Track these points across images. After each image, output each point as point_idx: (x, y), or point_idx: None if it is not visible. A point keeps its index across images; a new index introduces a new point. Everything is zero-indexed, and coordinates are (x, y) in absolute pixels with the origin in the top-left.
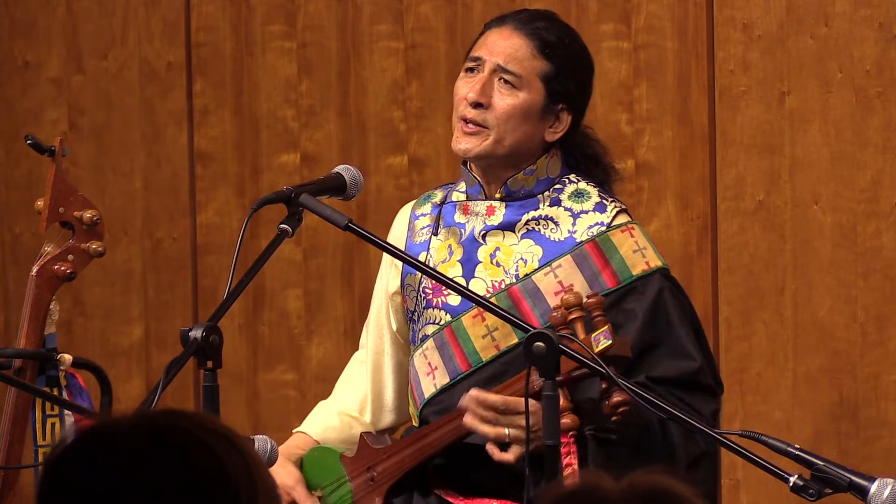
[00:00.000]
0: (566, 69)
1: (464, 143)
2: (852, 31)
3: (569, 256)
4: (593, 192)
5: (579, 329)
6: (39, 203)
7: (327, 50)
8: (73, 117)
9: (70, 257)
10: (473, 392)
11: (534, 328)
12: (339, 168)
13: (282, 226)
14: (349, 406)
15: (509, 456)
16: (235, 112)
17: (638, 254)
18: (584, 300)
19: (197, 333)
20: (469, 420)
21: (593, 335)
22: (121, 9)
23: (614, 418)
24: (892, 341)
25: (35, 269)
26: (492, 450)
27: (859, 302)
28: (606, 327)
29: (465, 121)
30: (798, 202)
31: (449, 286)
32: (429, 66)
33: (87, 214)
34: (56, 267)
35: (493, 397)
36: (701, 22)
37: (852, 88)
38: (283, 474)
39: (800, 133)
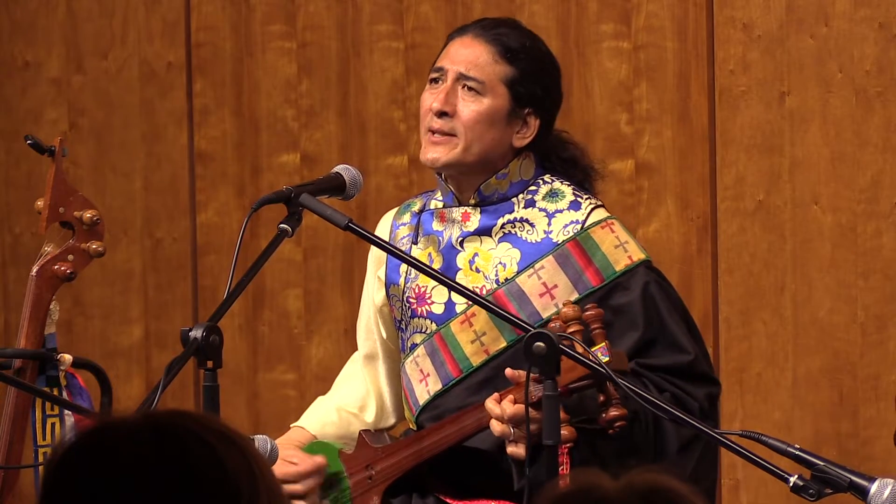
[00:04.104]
0: (530, 73)
1: (431, 153)
2: (852, 31)
3: (551, 257)
4: (567, 190)
5: (577, 344)
6: (39, 203)
7: (327, 50)
8: (73, 117)
9: (70, 257)
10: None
11: (532, 327)
12: (339, 168)
13: (282, 226)
14: (348, 403)
15: (520, 450)
16: (235, 112)
17: (620, 249)
18: (583, 313)
19: (197, 333)
20: (493, 428)
21: (591, 351)
22: (121, 9)
23: (610, 432)
24: (892, 341)
25: (35, 269)
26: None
27: (859, 302)
28: (604, 344)
29: (432, 131)
30: (798, 202)
31: (449, 286)
32: (429, 66)
33: (87, 214)
34: (56, 267)
35: (505, 410)
36: (701, 22)
37: (852, 88)
38: (283, 451)
39: (800, 133)
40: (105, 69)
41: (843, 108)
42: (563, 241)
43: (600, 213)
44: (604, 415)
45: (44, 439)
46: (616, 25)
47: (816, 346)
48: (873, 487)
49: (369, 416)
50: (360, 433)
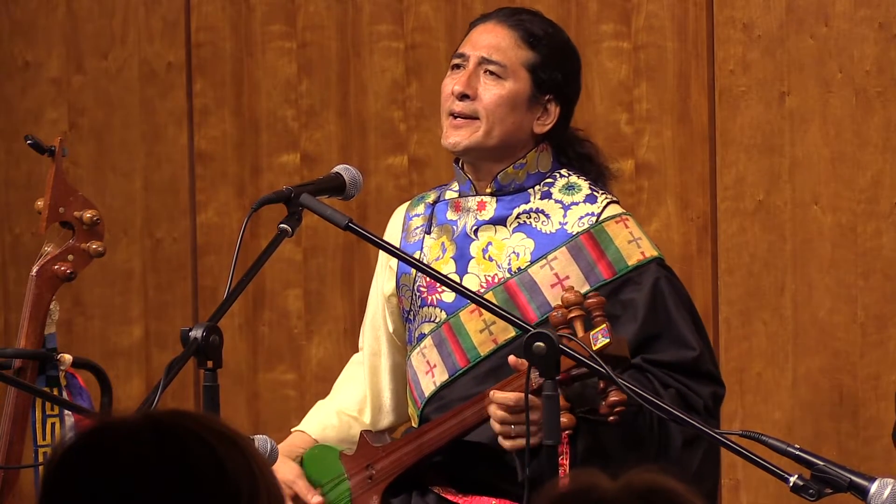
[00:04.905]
0: (552, 59)
1: (453, 137)
2: (852, 31)
3: (564, 248)
4: (584, 184)
5: (579, 328)
6: (39, 203)
7: (327, 50)
8: (73, 117)
9: (70, 257)
10: (491, 394)
11: (531, 326)
12: (339, 168)
13: (282, 226)
14: (348, 406)
15: (517, 443)
16: (235, 112)
17: (633, 244)
18: (585, 300)
19: (197, 333)
20: (492, 425)
21: (591, 333)
22: (121, 9)
23: (611, 418)
24: (892, 341)
25: (35, 269)
26: (502, 441)
27: (859, 302)
28: (604, 325)
29: (454, 115)
30: (798, 202)
31: (448, 285)
32: (429, 66)
33: (87, 214)
34: (56, 267)
35: (508, 396)
36: (701, 22)
37: (852, 88)
38: (285, 470)
39: (800, 133)
40: (105, 69)
41: (843, 108)
42: (578, 232)
43: (615, 209)
44: (604, 401)
45: (44, 439)
46: (616, 25)
47: (816, 346)
48: (873, 487)
49: (367, 418)
50: (361, 433)
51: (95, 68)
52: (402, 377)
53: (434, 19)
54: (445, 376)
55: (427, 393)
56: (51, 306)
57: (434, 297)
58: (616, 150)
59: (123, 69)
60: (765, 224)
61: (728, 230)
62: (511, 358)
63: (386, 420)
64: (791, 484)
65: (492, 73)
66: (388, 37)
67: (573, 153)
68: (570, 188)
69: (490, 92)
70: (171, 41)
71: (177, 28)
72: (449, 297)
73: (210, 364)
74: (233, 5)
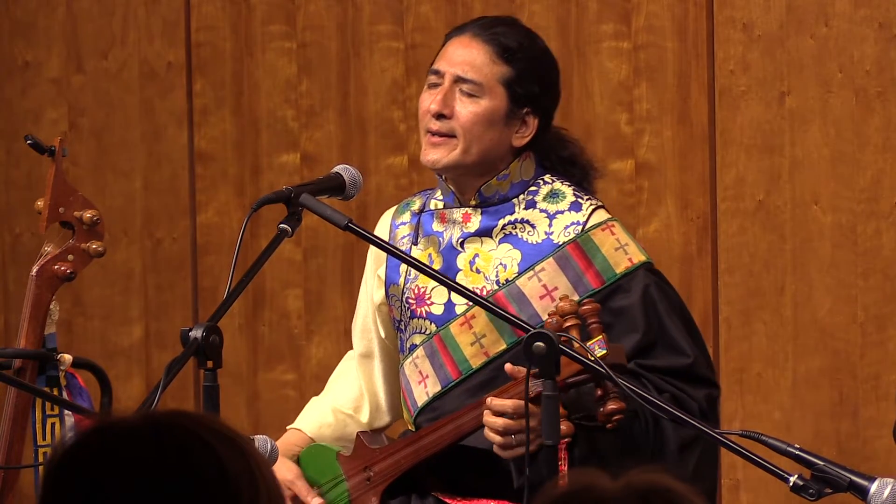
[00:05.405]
0: (528, 72)
1: (431, 155)
2: (852, 31)
3: (551, 259)
4: (568, 191)
5: (575, 337)
6: (39, 203)
7: (327, 50)
8: (73, 117)
9: (70, 257)
10: (488, 401)
11: (532, 327)
12: (339, 168)
13: (282, 226)
14: (343, 403)
15: (516, 452)
16: (235, 112)
17: (620, 251)
18: (580, 308)
19: (197, 333)
20: (485, 433)
21: (588, 344)
22: (121, 9)
23: (608, 426)
24: (892, 341)
25: (35, 269)
26: (499, 450)
27: (859, 302)
28: (601, 336)
29: (431, 133)
30: (798, 202)
31: (450, 286)
32: (428, 66)
33: (87, 214)
34: (56, 267)
35: (506, 403)
36: (701, 22)
37: (852, 88)
38: (283, 470)
39: (800, 133)
40: (105, 69)
41: (843, 108)
42: (564, 242)
43: (601, 215)
44: (602, 409)
45: (44, 439)
46: (616, 25)
47: (816, 346)
48: (873, 487)
49: (364, 417)
50: (357, 435)
51: (95, 68)
52: (395, 379)
53: (434, 19)
54: (438, 387)
55: (420, 403)
56: (51, 306)
57: (423, 309)
58: (616, 150)
59: (123, 69)
60: (765, 224)
61: (728, 230)
62: (508, 366)
63: (384, 419)
64: (791, 484)
65: (468, 90)
66: (388, 37)
67: (555, 157)
68: (554, 195)
69: (466, 110)
70: (171, 41)
71: (177, 28)
72: (438, 309)
73: (210, 364)
74: (233, 5)
